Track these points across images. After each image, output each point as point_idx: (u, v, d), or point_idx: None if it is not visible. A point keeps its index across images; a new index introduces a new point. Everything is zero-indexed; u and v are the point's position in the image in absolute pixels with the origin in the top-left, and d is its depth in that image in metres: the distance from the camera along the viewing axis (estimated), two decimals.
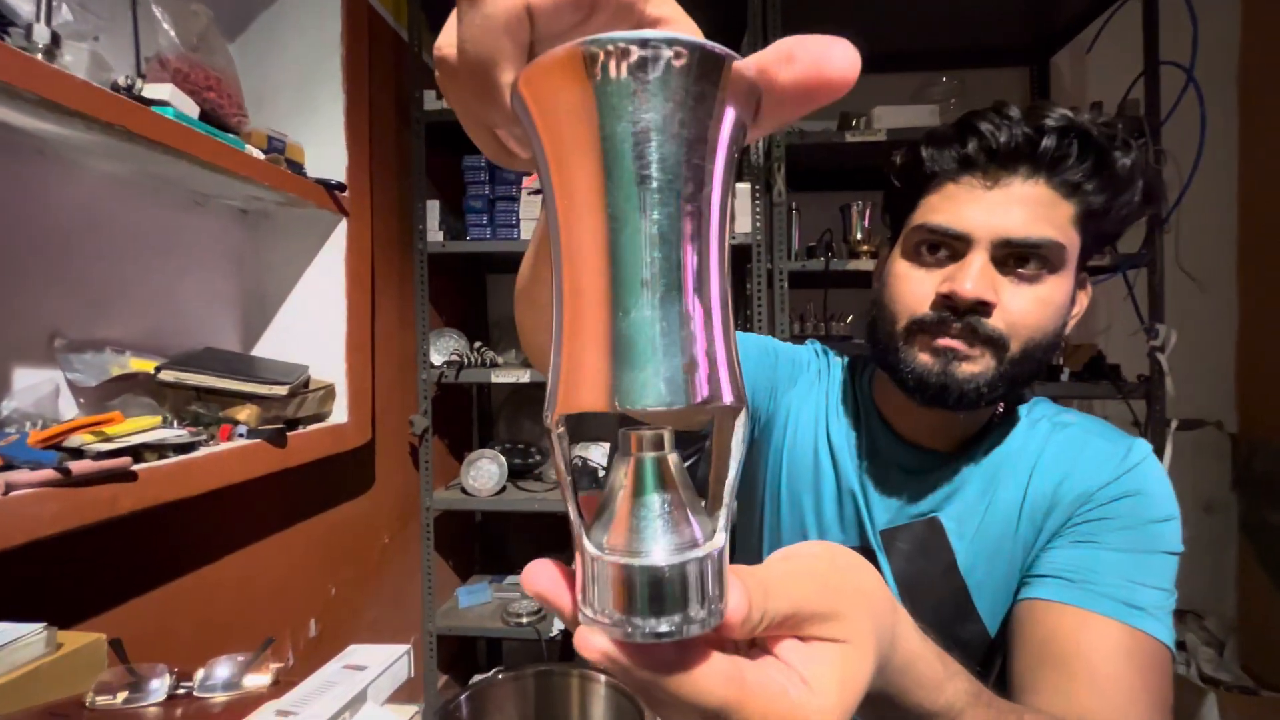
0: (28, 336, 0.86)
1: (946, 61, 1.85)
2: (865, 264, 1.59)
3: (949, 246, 0.53)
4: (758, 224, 1.54)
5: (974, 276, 0.50)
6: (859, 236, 1.66)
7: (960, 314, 0.51)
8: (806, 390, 0.67)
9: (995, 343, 0.51)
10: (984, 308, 0.51)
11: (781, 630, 0.23)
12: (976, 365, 0.51)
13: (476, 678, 1.80)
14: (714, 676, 0.20)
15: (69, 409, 0.91)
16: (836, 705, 0.23)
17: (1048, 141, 0.49)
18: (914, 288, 0.54)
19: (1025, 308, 0.51)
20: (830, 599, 0.24)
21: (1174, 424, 1.45)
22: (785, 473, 0.65)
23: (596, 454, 1.78)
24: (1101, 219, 0.52)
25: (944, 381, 0.51)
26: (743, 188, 1.55)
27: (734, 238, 1.55)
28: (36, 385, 0.84)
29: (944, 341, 0.52)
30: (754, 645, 0.24)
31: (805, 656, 0.24)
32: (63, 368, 0.89)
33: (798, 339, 0.84)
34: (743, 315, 1.89)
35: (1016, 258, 0.51)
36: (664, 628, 0.18)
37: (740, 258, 1.69)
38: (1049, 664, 0.47)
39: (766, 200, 1.56)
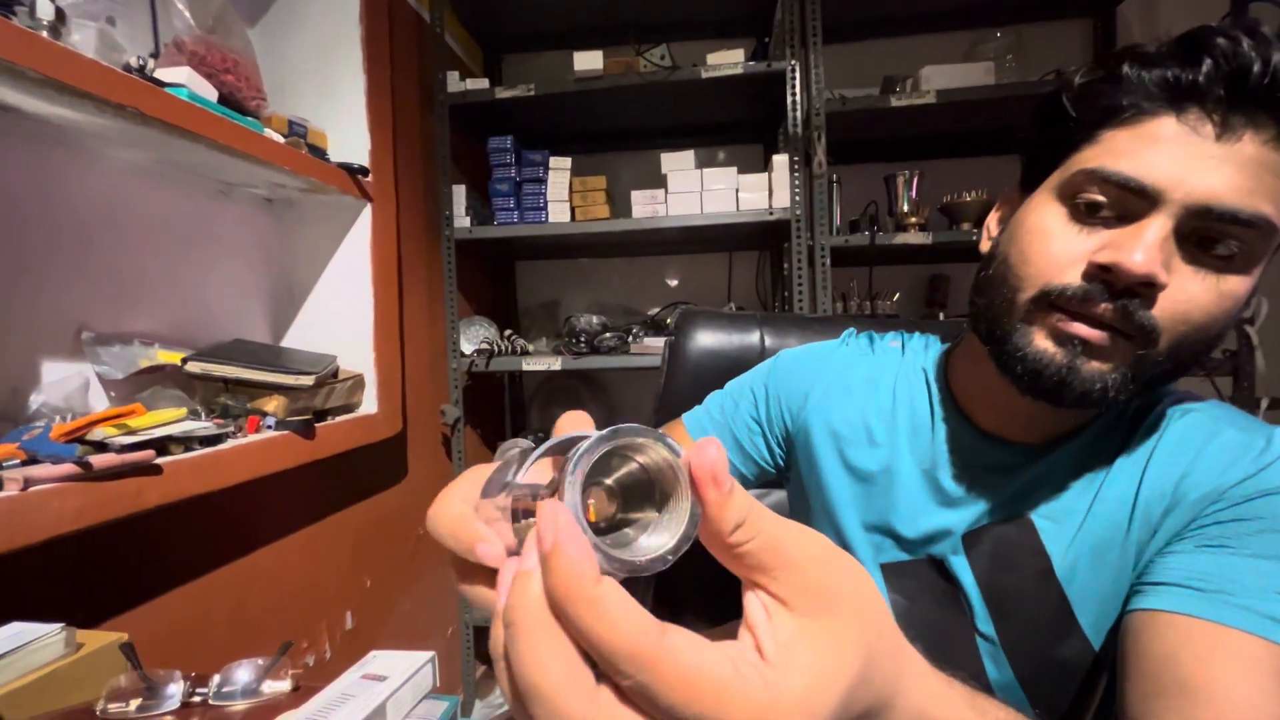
0: (55, 330, 0.84)
1: (1000, 16, 1.71)
2: (913, 237, 1.49)
3: (1121, 205, 0.40)
4: (796, 198, 1.45)
5: (1148, 246, 0.38)
6: (905, 208, 1.55)
7: (1116, 293, 0.40)
8: (824, 395, 0.61)
9: (1144, 336, 0.40)
10: (1149, 290, 0.39)
11: (766, 562, 0.20)
12: (1109, 362, 0.41)
13: None
14: (627, 619, 0.17)
15: (99, 402, 0.90)
16: (801, 693, 0.19)
17: None
18: (1060, 248, 0.42)
19: (1198, 299, 0.39)
20: (827, 559, 0.21)
21: (1264, 404, 1.32)
22: (825, 480, 0.59)
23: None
24: None
25: (1063, 377, 0.42)
26: (780, 160, 1.46)
27: (771, 213, 1.47)
28: (65, 379, 0.83)
29: (1076, 328, 0.41)
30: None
31: (777, 623, 0.20)
32: (91, 361, 0.88)
33: (840, 320, 0.77)
34: (782, 295, 1.81)
35: (1205, 236, 0.39)
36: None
37: (778, 234, 1.61)
38: (1171, 689, 0.38)
39: (806, 173, 1.47)
